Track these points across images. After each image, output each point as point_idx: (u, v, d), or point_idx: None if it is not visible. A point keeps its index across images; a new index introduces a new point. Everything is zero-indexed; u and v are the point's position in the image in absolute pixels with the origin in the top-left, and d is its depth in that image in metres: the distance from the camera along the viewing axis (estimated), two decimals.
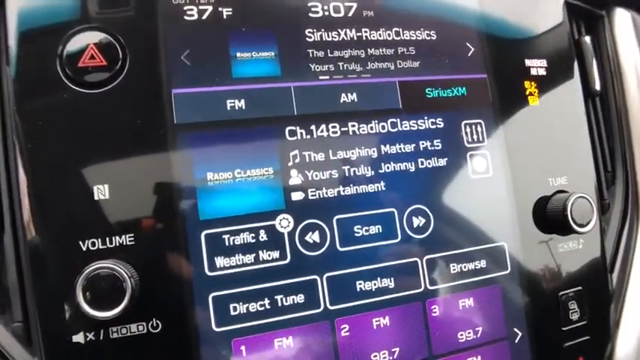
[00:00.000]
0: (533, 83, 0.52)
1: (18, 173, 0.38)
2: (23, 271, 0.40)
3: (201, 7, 0.43)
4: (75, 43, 0.40)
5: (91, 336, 0.37)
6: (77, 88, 0.39)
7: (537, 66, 0.53)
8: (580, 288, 0.51)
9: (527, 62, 0.53)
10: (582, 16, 0.61)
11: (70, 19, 0.40)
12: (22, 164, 0.38)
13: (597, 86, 0.57)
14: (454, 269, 0.47)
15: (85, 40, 0.40)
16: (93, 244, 0.38)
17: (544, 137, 0.52)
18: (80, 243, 0.38)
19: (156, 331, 0.38)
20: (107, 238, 0.38)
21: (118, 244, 0.38)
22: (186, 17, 0.43)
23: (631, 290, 0.54)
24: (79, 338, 0.37)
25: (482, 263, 0.48)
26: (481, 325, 0.47)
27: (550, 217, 0.50)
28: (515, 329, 0.48)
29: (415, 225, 0.46)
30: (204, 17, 0.43)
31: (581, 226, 0.49)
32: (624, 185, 0.58)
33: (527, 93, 0.52)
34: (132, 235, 0.38)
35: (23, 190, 0.38)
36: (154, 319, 0.39)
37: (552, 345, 0.50)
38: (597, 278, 0.52)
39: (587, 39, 0.58)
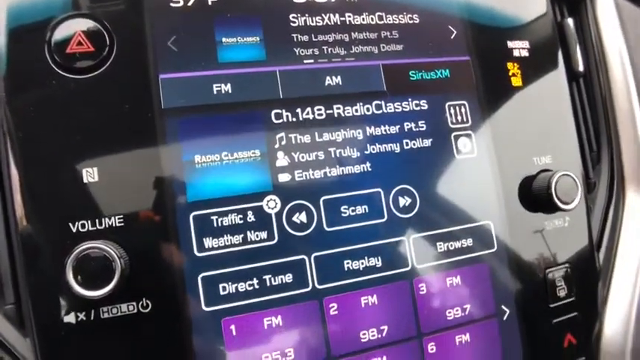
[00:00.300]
0: (516, 64, 0.53)
1: (8, 157, 0.39)
2: (15, 253, 0.41)
3: None
4: (62, 31, 0.40)
5: (82, 316, 0.38)
6: (66, 74, 0.40)
7: (520, 47, 0.54)
8: (567, 265, 0.52)
9: (510, 44, 0.53)
10: None
11: (58, 6, 0.41)
12: (11, 148, 0.39)
13: (580, 68, 0.58)
14: (441, 248, 0.48)
15: (73, 27, 0.41)
16: (83, 225, 0.38)
17: (528, 117, 0.53)
18: (70, 225, 0.38)
19: (146, 310, 0.39)
20: (97, 220, 0.39)
21: (107, 226, 0.39)
22: (172, 4, 0.44)
23: (618, 268, 0.55)
24: (70, 318, 0.38)
25: (469, 242, 0.49)
26: (469, 303, 0.48)
27: (535, 196, 0.50)
28: (504, 307, 0.49)
29: (401, 205, 0.47)
30: (189, 4, 0.44)
31: (566, 203, 0.50)
32: (609, 164, 0.58)
33: (510, 74, 0.53)
34: (121, 216, 0.39)
35: (13, 174, 0.38)
36: (144, 299, 0.39)
37: (540, 322, 0.50)
38: (584, 256, 0.53)
39: (570, 21, 0.59)
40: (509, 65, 0.53)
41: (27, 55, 0.39)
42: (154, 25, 0.43)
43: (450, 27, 0.52)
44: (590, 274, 0.53)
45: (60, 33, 0.40)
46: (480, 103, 0.51)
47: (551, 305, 0.51)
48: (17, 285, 0.41)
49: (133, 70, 0.42)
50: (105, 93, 0.41)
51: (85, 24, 0.41)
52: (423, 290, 0.46)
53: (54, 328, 0.38)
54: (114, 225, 0.39)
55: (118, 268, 0.36)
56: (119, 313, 0.38)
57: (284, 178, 0.44)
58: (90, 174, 0.39)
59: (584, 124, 0.59)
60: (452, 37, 0.52)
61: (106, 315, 0.38)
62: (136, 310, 0.39)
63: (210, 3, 0.45)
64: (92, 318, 0.38)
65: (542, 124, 0.53)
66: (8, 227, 0.41)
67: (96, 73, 0.41)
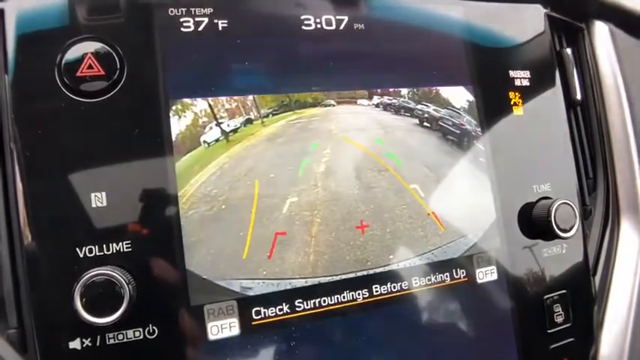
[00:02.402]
0: (517, 93, 0.54)
1: (15, 180, 0.38)
2: (19, 278, 0.40)
3: (197, 19, 0.45)
4: (73, 53, 0.40)
5: (87, 342, 0.38)
6: (75, 97, 0.40)
7: (521, 77, 0.55)
8: (564, 291, 0.53)
9: (512, 73, 0.54)
10: (563, 29, 0.63)
11: (69, 28, 0.41)
12: (19, 172, 0.38)
13: (578, 96, 0.59)
14: (439, 275, 0.48)
15: (84, 49, 0.41)
16: (90, 250, 0.38)
17: (528, 145, 0.54)
18: (77, 250, 0.38)
19: (152, 336, 0.39)
20: (104, 245, 0.39)
21: (115, 251, 0.39)
22: (182, 29, 0.44)
23: (613, 292, 0.56)
24: (75, 344, 0.38)
25: (470, 269, 0.49)
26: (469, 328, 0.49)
27: (535, 223, 0.51)
28: (503, 332, 0.50)
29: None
30: (200, 29, 0.44)
31: (565, 231, 0.51)
32: (605, 191, 0.60)
33: (512, 103, 0.54)
34: (129, 241, 0.39)
35: (20, 197, 0.38)
36: (150, 325, 0.39)
37: (538, 347, 0.51)
38: (581, 282, 0.54)
39: (569, 51, 0.60)
40: (511, 94, 0.54)
41: (37, 79, 0.39)
42: (165, 49, 0.43)
43: (454, 56, 0.53)
44: (586, 299, 0.54)
45: (71, 55, 0.40)
46: (483, 131, 0.52)
47: (549, 331, 0.51)
48: (20, 309, 0.40)
49: (143, 95, 0.42)
50: (114, 117, 0.41)
51: (95, 47, 0.41)
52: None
53: (59, 353, 0.37)
54: (121, 250, 0.39)
55: (127, 294, 0.36)
56: (125, 339, 0.38)
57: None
58: (98, 198, 0.39)
59: (582, 152, 0.60)
60: (456, 67, 0.52)
61: (112, 341, 0.38)
62: (142, 336, 0.39)
63: (220, 28, 0.45)
64: (98, 344, 0.38)
65: (542, 152, 0.54)
66: (13, 252, 0.41)
67: (106, 97, 0.41)
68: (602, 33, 0.63)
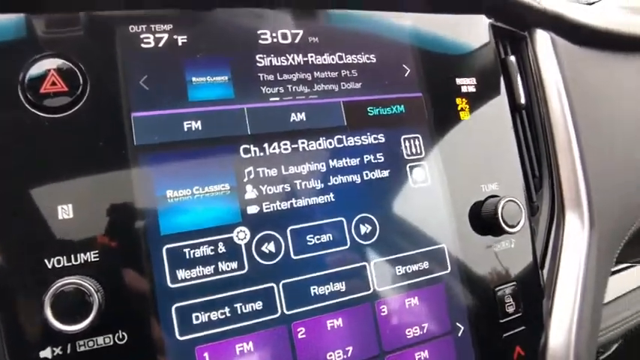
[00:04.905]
0: (464, 100, 0.58)
1: None
2: None
3: (157, 35, 0.46)
4: (36, 70, 0.42)
5: (58, 350, 0.39)
6: (39, 113, 0.41)
7: (467, 84, 0.58)
8: (514, 283, 0.56)
9: (459, 81, 0.58)
10: (507, 38, 0.67)
11: (32, 44, 0.42)
12: None
13: (522, 100, 0.63)
14: (399, 271, 0.51)
15: (47, 66, 0.42)
16: (58, 261, 0.40)
17: (476, 148, 0.57)
18: (46, 261, 0.39)
19: (122, 342, 0.41)
20: (72, 255, 0.40)
21: (83, 261, 0.40)
22: (143, 45, 0.46)
23: (560, 284, 0.60)
24: (46, 353, 0.39)
25: (425, 264, 0.52)
26: (427, 322, 0.52)
27: (484, 220, 0.55)
28: (458, 324, 0.53)
29: (362, 232, 0.50)
30: (160, 45, 0.46)
31: (512, 226, 0.54)
32: (550, 189, 0.64)
33: (459, 109, 0.57)
34: (96, 251, 0.41)
35: None
36: (119, 331, 0.41)
37: (492, 336, 0.54)
38: (529, 274, 0.58)
39: (512, 58, 0.64)
40: (458, 100, 0.57)
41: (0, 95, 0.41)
42: (126, 64, 0.45)
43: (404, 66, 0.56)
44: (535, 290, 0.58)
45: (34, 72, 0.42)
46: (432, 136, 0.55)
47: (501, 321, 0.55)
48: None
49: (106, 109, 0.43)
50: (79, 131, 0.42)
51: (58, 64, 0.42)
52: (384, 311, 0.50)
53: None
54: (89, 260, 0.40)
55: (96, 302, 0.38)
56: (95, 346, 0.40)
57: (252, 210, 0.46)
58: (65, 210, 0.41)
59: (527, 152, 0.64)
60: (406, 75, 0.56)
61: (82, 348, 0.39)
62: (112, 342, 0.40)
63: (180, 44, 0.47)
64: (69, 352, 0.39)
65: (489, 153, 0.58)
66: None
67: (70, 112, 0.42)
68: (543, 41, 0.68)
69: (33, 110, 0.41)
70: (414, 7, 0.58)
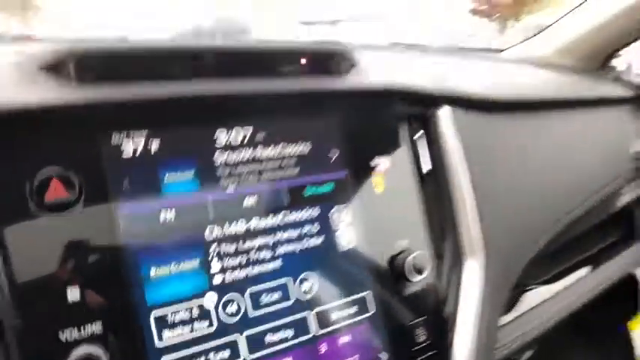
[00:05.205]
0: (379, 175, 0.73)
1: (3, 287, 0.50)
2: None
3: (134, 146, 0.59)
4: (41, 178, 0.53)
5: None
6: (43, 212, 0.52)
7: (382, 162, 0.74)
8: (424, 317, 0.72)
9: (375, 160, 0.74)
10: (416, 117, 0.83)
11: (36, 156, 0.53)
12: (4, 275, 0.50)
13: (428, 168, 0.80)
14: (334, 316, 0.66)
15: (49, 174, 0.53)
16: (70, 333, 0.51)
17: (390, 213, 0.73)
18: (60, 333, 0.51)
19: None
20: (82, 327, 0.52)
21: (90, 332, 0.52)
22: (123, 156, 0.58)
23: (460, 315, 0.76)
24: None
25: (354, 309, 0.67)
26: (357, 354, 0.66)
27: (398, 270, 0.71)
28: (381, 354, 0.68)
29: (304, 289, 0.64)
30: (137, 154, 0.59)
31: (420, 273, 0.70)
32: (452, 239, 0.80)
33: (375, 184, 0.73)
34: (100, 322, 0.53)
35: (7, 296, 0.50)
36: None
37: None
38: (436, 309, 0.74)
39: (419, 134, 0.81)
40: (375, 176, 0.73)
41: (8, 199, 0.51)
42: (111, 171, 0.57)
43: (332, 150, 0.71)
44: (441, 322, 0.74)
45: (38, 182, 0.53)
46: (355, 207, 0.71)
47: (414, 349, 0.71)
48: None
49: (98, 208, 0.56)
50: (77, 227, 0.54)
51: (58, 172, 0.54)
52: (323, 350, 0.64)
53: None
54: (96, 332, 0.52)
55: None
56: None
57: (218, 279, 0.60)
58: (73, 292, 0.52)
59: (435, 211, 0.81)
60: (334, 158, 0.71)
61: None
62: None
63: (152, 152, 0.60)
64: None
65: (400, 217, 0.74)
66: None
67: (69, 210, 0.54)
68: (445, 115, 0.83)
69: (38, 210, 0.53)
70: (339, 107, 0.73)
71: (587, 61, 1.60)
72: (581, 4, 1.55)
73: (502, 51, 1.82)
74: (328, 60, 0.72)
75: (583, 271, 1.30)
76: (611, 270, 1.34)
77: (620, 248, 1.39)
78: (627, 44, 1.56)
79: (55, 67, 0.56)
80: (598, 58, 1.59)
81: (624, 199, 1.34)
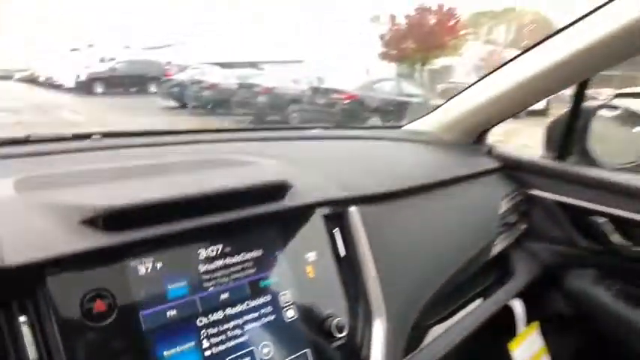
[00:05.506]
0: (310, 265, 1.07)
1: None
2: None
3: (146, 264, 0.88)
4: (88, 301, 0.81)
5: None
6: (90, 323, 0.81)
7: (312, 255, 1.07)
8: None
9: (307, 255, 1.07)
10: (330, 216, 1.18)
11: (94, 276, 0.81)
12: None
13: (344, 254, 1.14)
14: None
15: (94, 294, 0.81)
16: None
17: (320, 291, 1.06)
18: None
19: None
20: None
21: None
22: (139, 274, 0.87)
23: (373, 357, 1.10)
24: None
25: None
26: None
27: (326, 330, 1.03)
28: None
29: (264, 352, 0.95)
30: (148, 270, 0.88)
31: (341, 332, 1.03)
32: (363, 305, 1.14)
33: (308, 270, 1.06)
34: None
35: None
36: None
37: None
38: (356, 354, 1.07)
39: (336, 229, 1.15)
40: (307, 266, 1.06)
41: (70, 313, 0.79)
42: (133, 287, 0.86)
43: (277, 251, 1.03)
44: None
45: (88, 302, 0.81)
46: (294, 290, 1.03)
47: None
48: None
49: (127, 317, 0.84)
50: (113, 332, 0.82)
51: (99, 292, 0.82)
52: None
53: None
54: None
55: None
56: None
57: (208, 353, 0.89)
58: None
59: (351, 284, 1.14)
60: (279, 257, 1.03)
61: None
62: None
63: (158, 267, 0.89)
64: None
65: (328, 292, 1.07)
66: None
67: (106, 320, 0.82)
68: (354, 214, 1.19)
69: (87, 322, 0.80)
70: (280, 221, 1.06)
71: (466, 136, 2.06)
72: (465, 88, 2.01)
73: (402, 126, 2.26)
74: (271, 190, 1.06)
75: (471, 307, 1.68)
76: (493, 303, 1.74)
77: (498, 285, 1.80)
78: (498, 124, 2.04)
79: (90, 221, 0.85)
80: (474, 134, 2.05)
81: (497, 248, 1.75)
